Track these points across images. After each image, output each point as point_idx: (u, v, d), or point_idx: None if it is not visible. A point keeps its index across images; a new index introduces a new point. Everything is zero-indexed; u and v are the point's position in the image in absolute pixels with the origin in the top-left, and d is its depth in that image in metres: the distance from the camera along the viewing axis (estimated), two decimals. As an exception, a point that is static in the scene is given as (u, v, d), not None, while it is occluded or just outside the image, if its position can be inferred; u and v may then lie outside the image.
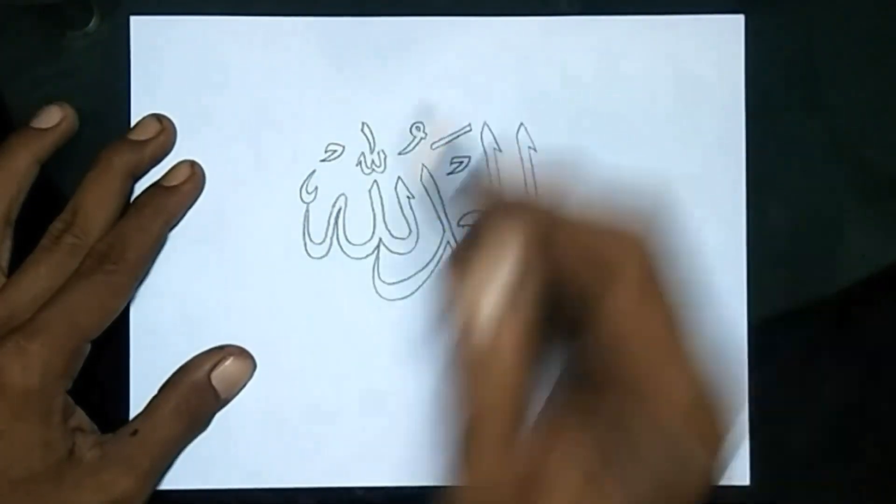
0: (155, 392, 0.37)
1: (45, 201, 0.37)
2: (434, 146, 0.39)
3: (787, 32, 0.40)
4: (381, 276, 0.39)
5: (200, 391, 0.37)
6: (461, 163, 0.39)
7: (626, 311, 0.26)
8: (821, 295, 0.40)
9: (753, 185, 0.39)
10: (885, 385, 0.33)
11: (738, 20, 0.39)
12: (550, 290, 0.26)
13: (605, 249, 0.26)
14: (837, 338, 0.34)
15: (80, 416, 0.36)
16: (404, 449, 0.38)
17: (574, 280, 0.26)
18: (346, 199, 0.39)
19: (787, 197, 0.40)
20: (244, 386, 0.38)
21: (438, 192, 0.39)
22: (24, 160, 0.36)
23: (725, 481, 0.37)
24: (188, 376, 0.37)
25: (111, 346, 0.37)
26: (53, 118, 0.37)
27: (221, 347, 0.38)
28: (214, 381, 0.37)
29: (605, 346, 0.26)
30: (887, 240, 0.40)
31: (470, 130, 0.39)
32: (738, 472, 0.38)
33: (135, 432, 0.35)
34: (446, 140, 0.39)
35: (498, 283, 0.25)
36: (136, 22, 0.39)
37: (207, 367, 0.37)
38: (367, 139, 0.39)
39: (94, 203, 0.36)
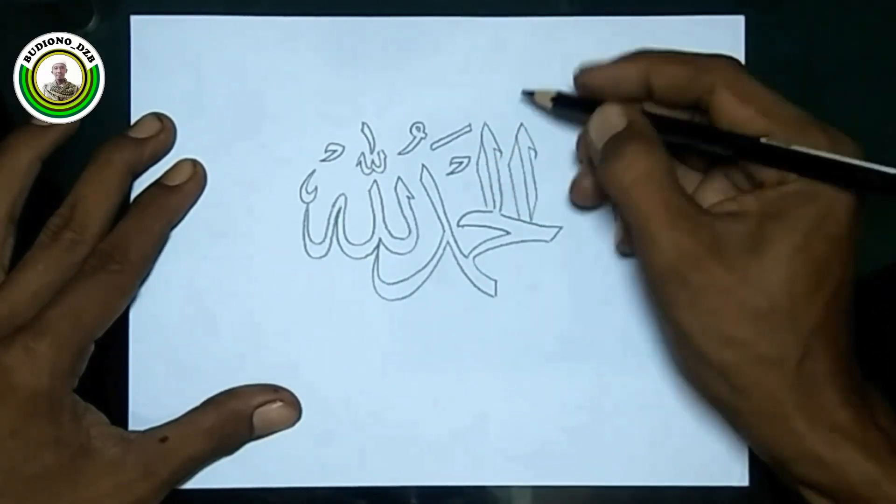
0: (156, 392, 0.37)
1: (45, 200, 0.37)
2: (434, 146, 0.39)
3: (787, 32, 0.40)
4: (381, 276, 0.39)
5: (239, 421, 0.37)
6: (461, 163, 0.39)
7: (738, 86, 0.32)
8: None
9: (753, 186, 0.39)
10: (885, 385, 0.33)
11: (738, 20, 0.39)
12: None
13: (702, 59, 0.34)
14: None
15: (95, 413, 0.35)
16: (404, 449, 0.38)
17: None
18: (346, 199, 0.39)
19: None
20: (280, 431, 0.38)
21: (438, 192, 0.39)
22: (25, 157, 0.36)
23: (725, 482, 0.38)
24: (234, 403, 0.37)
25: (111, 345, 0.37)
26: None
27: (276, 389, 0.38)
28: (256, 418, 0.37)
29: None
30: (887, 239, 0.40)
31: (470, 130, 0.39)
32: (738, 473, 0.38)
33: (164, 439, 0.35)
34: (446, 140, 0.39)
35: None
36: (136, 22, 0.39)
37: (255, 402, 0.37)
38: (367, 139, 0.39)
39: (92, 198, 0.36)
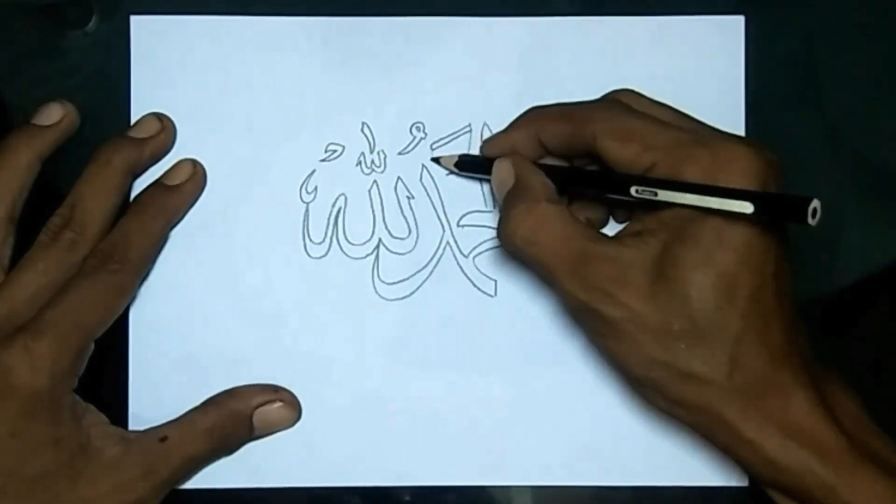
0: (156, 391, 0.37)
1: (45, 200, 0.37)
2: (434, 146, 0.39)
3: (787, 32, 0.40)
4: (381, 276, 0.39)
5: (238, 421, 0.37)
6: (461, 163, 0.39)
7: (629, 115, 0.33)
8: (820, 295, 0.40)
9: (753, 186, 0.39)
10: (885, 385, 0.33)
11: (738, 20, 0.39)
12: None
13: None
14: (837, 338, 0.34)
15: (94, 413, 0.35)
16: (403, 449, 0.38)
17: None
18: (346, 199, 0.39)
19: (787, 197, 0.40)
20: (280, 431, 0.38)
21: (438, 192, 0.39)
22: (25, 157, 0.36)
23: (724, 483, 0.38)
24: (233, 403, 0.37)
25: (111, 345, 0.37)
26: (55, 115, 0.37)
27: (276, 389, 0.38)
28: (255, 418, 0.37)
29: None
30: (887, 239, 0.40)
31: (470, 131, 0.39)
32: (737, 474, 0.38)
33: (164, 438, 0.35)
34: (446, 140, 0.39)
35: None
36: (136, 22, 0.39)
37: (255, 402, 0.37)
38: (367, 139, 0.39)
39: (92, 198, 0.36)
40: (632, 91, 0.36)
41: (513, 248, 0.33)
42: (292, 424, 0.38)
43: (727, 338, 0.31)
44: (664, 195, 0.31)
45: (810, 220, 0.28)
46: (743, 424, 0.31)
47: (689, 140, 0.32)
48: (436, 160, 0.39)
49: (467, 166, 0.38)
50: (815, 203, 0.28)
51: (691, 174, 0.31)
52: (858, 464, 0.30)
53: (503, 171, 0.35)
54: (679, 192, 0.31)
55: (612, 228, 0.37)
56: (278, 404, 0.37)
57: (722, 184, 0.30)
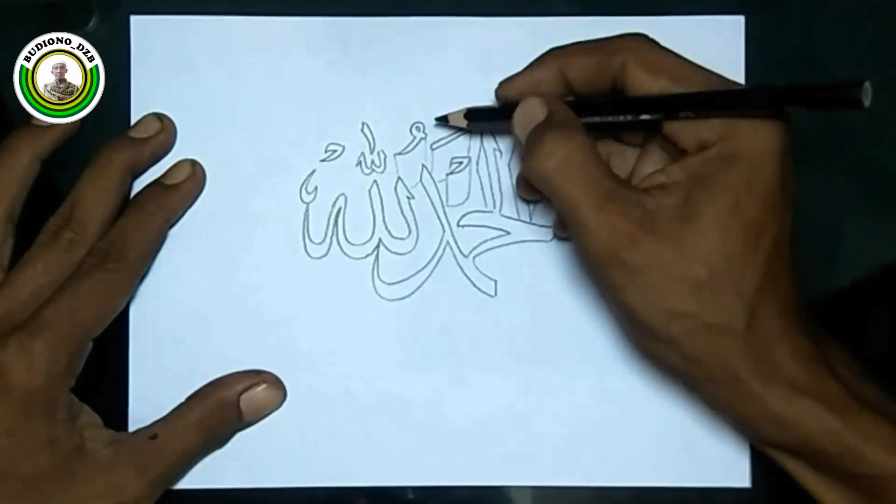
0: (156, 391, 0.37)
1: (45, 200, 0.37)
2: (434, 146, 0.39)
3: (787, 32, 0.40)
4: (381, 276, 0.39)
5: (226, 410, 0.37)
6: (461, 163, 0.39)
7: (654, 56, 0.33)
8: (820, 294, 0.40)
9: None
10: (885, 386, 0.33)
11: (738, 21, 0.39)
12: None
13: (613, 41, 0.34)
14: (836, 338, 0.34)
15: (88, 413, 0.35)
16: (403, 449, 0.38)
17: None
18: (346, 199, 0.39)
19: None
20: (269, 414, 0.38)
21: (438, 192, 0.39)
22: (25, 157, 0.36)
23: (726, 483, 0.38)
24: (218, 392, 0.37)
25: (111, 345, 0.37)
26: None
27: (258, 372, 0.38)
28: (242, 404, 0.37)
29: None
30: (887, 240, 0.40)
31: (470, 130, 0.39)
32: (739, 475, 0.38)
33: (154, 436, 0.35)
34: (446, 140, 0.39)
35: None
36: (136, 22, 0.39)
37: (239, 388, 0.37)
38: (367, 139, 0.39)
39: (92, 198, 0.36)
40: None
41: (543, 174, 0.32)
42: (279, 405, 0.38)
43: (749, 288, 0.31)
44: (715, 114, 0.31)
45: (864, 101, 0.27)
46: (753, 379, 0.31)
47: (719, 82, 0.32)
48: (442, 119, 0.38)
49: (479, 115, 0.37)
50: (867, 84, 0.28)
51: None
52: (861, 410, 0.31)
53: (534, 106, 0.34)
54: (726, 106, 0.31)
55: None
56: (262, 386, 0.37)
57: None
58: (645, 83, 0.33)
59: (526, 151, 0.33)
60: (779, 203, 0.31)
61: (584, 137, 0.32)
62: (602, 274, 0.32)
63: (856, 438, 0.30)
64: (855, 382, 0.32)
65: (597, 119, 0.34)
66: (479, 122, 0.38)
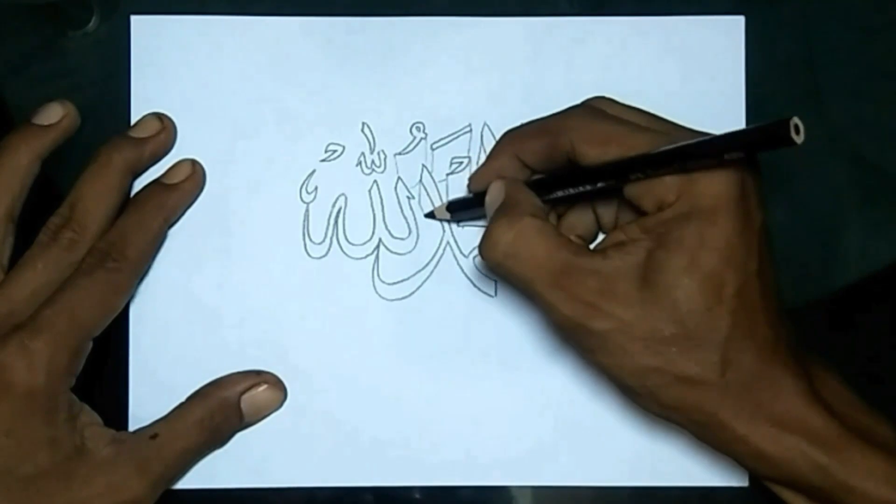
0: (156, 391, 0.37)
1: (45, 200, 0.37)
2: (434, 146, 0.39)
3: (787, 32, 0.40)
4: (381, 276, 0.39)
5: (227, 409, 0.37)
6: (461, 163, 0.39)
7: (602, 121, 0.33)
8: (820, 295, 0.40)
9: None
10: (884, 386, 0.33)
11: (738, 21, 0.39)
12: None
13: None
14: (836, 338, 0.34)
15: (89, 413, 0.35)
16: (403, 448, 0.38)
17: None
18: (346, 199, 0.39)
19: (786, 197, 0.40)
20: (270, 414, 0.38)
21: (438, 192, 0.39)
22: (25, 156, 0.36)
23: (725, 483, 0.38)
24: (219, 392, 0.37)
25: (111, 345, 0.37)
26: (55, 115, 0.37)
27: (259, 372, 0.38)
28: (243, 404, 0.37)
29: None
30: (887, 240, 0.40)
31: (470, 130, 0.39)
32: (738, 474, 0.38)
33: (155, 436, 0.35)
34: (446, 140, 0.39)
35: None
36: (136, 22, 0.39)
37: (240, 388, 0.37)
38: (367, 139, 0.39)
39: (92, 198, 0.36)
40: (603, 97, 0.36)
41: (494, 261, 0.33)
42: (279, 406, 0.38)
43: (718, 338, 0.31)
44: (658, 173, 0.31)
45: (795, 138, 0.27)
46: (735, 421, 0.31)
47: (666, 142, 0.32)
48: (430, 215, 0.39)
49: (458, 206, 0.38)
50: (796, 119, 0.27)
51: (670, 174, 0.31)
52: (849, 442, 0.31)
53: (495, 190, 0.35)
54: (670, 163, 0.31)
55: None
56: (263, 386, 0.38)
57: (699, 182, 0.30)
58: (595, 156, 0.33)
59: (482, 237, 0.33)
60: (738, 252, 0.31)
61: (534, 217, 0.32)
62: (571, 340, 0.33)
63: (844, 473, 0.30)
64: (847, 408, 0.32)
65: (560, 193, 0.34)
66: (459, 212, 0.38)
